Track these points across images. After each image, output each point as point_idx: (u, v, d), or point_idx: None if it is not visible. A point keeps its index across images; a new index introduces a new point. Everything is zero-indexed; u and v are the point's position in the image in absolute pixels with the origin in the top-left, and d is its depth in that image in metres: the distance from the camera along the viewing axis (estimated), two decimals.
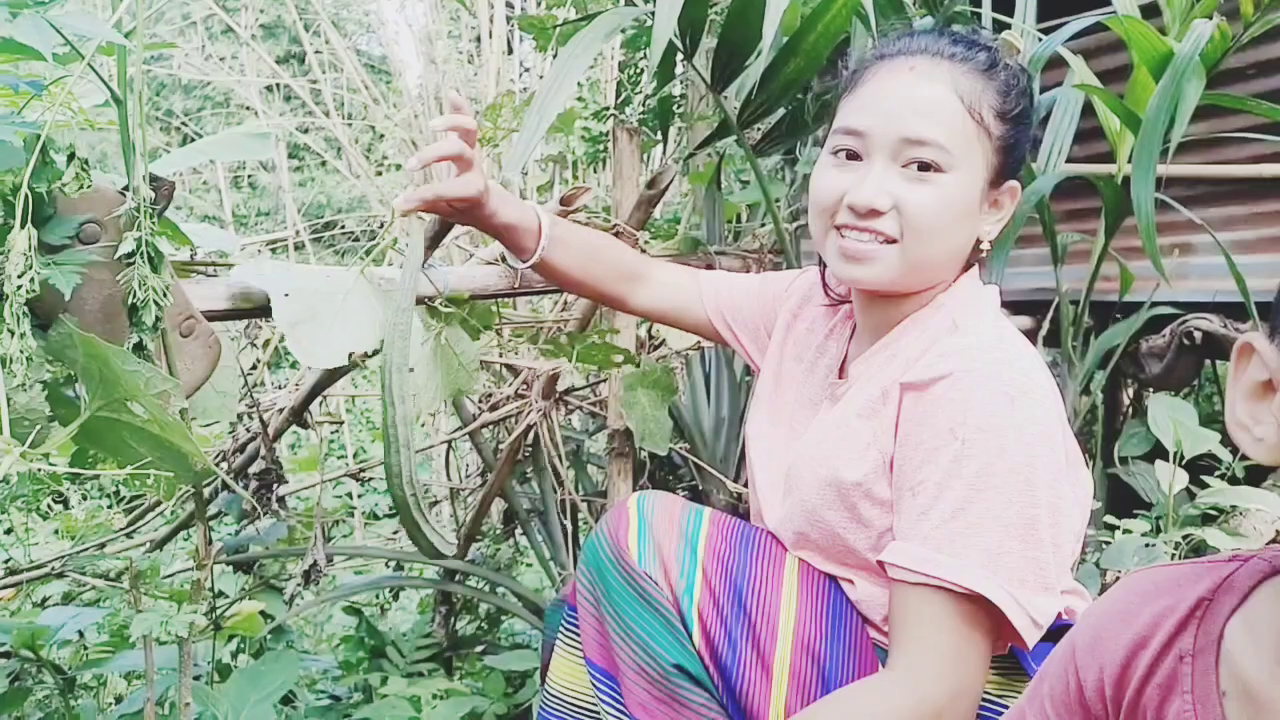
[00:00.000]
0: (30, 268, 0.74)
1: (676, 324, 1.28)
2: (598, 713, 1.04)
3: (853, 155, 0.97)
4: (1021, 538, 0.87)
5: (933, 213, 0.94)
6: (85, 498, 2.87)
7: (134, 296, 0.83)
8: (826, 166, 0.99)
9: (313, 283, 1.03)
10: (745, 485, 1.83)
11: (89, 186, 0.80)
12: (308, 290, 1.01)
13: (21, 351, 0.74)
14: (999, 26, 1.71)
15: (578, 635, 1.07)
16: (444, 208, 1.08)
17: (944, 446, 0.88)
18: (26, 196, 0.75)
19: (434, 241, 1.35)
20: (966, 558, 0.86)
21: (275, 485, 1.69)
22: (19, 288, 0.73)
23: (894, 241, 0.95)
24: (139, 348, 0.85)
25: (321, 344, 0.99)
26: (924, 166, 0.93)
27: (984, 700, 0.94)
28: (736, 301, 1.24)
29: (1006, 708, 0.91)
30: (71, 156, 0.79)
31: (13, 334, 0.73)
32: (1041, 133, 1.88)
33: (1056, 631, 0.88)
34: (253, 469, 1.69)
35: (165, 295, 0.85)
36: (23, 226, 0.75)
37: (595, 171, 2.78)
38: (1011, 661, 0.97)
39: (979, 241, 0.99)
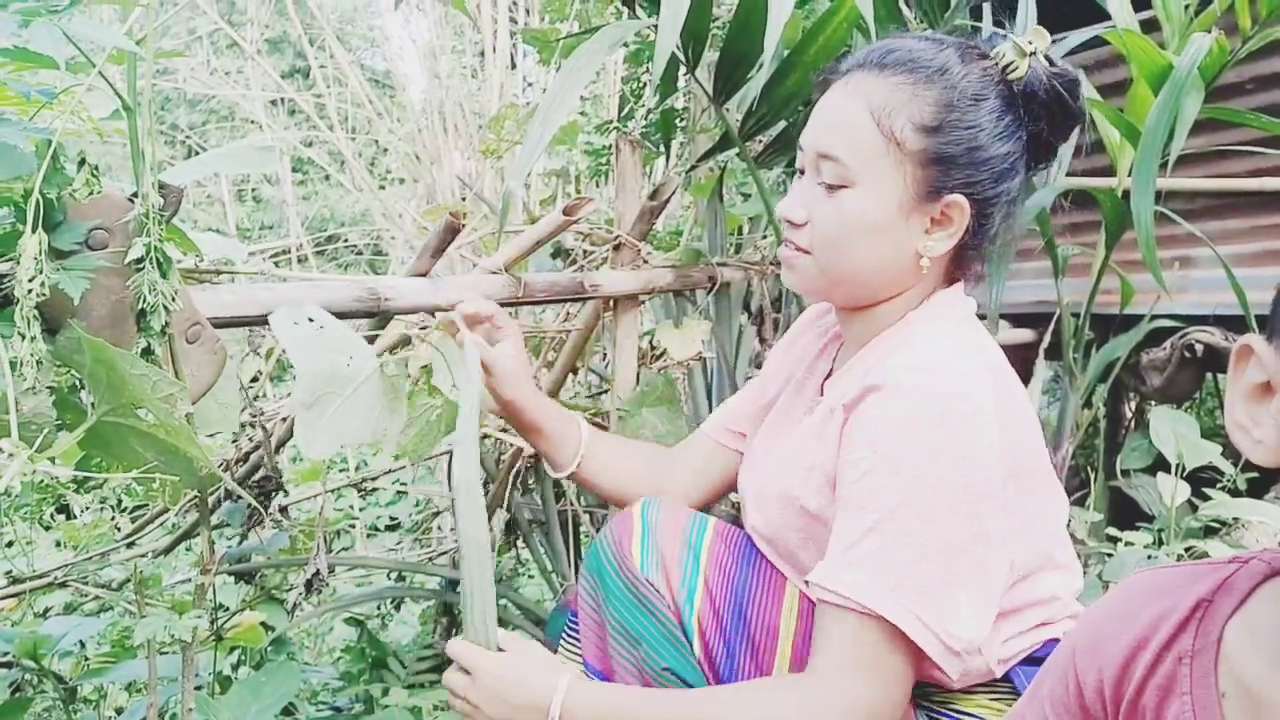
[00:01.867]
0: (40, 272, 0.75)
1: (720, 490, 1.27)
2: None
3: (800, 171, 1.00)
4: (940, 560, 0.84)
5: (834, 226, 0.95)
6: (87, 508, 2.87)
7: (142, 301, 0.84)
8: (793, 182, 1.03)
9: (339, 361, 1.03)
10: None
11: (99, 192, 0.81)
12: (333, 371, 1.02)
13: (31, 355, 0.74)
14: None
15: (579, 641, 1.07)
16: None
17: (864, 463, 0.87)
18: (37, 201, 0.76)
19: (437, 251, 1.36)
20: (876, 578, 0.85)
21: (275, 493, 1.69)
22: (29, 291, 0.74)
23: (809, 253, 0.98)
24: (146, 353, 0.86)
25: (323, 434, 1.02)
26: (831, 183, 0.95)
27: None
28: (739, 410, 1.24)
29: None
30: (82, 163, 0.80)
31: (23, 337, 0.74)
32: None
33: (1044, 658, 0.88)
34: (255, 477, 1.69)
35: (173, 301, 0.86)
36: (33, 231, 0.76)
37: (598, 185, 2.80)
38: (1007, 687, 0.96)
39: (919, 257, 0.95)
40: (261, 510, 1.61)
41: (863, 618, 0.85)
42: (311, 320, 1.03)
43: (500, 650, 0.97)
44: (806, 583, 0.92)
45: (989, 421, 0.87)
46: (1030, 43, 0.96)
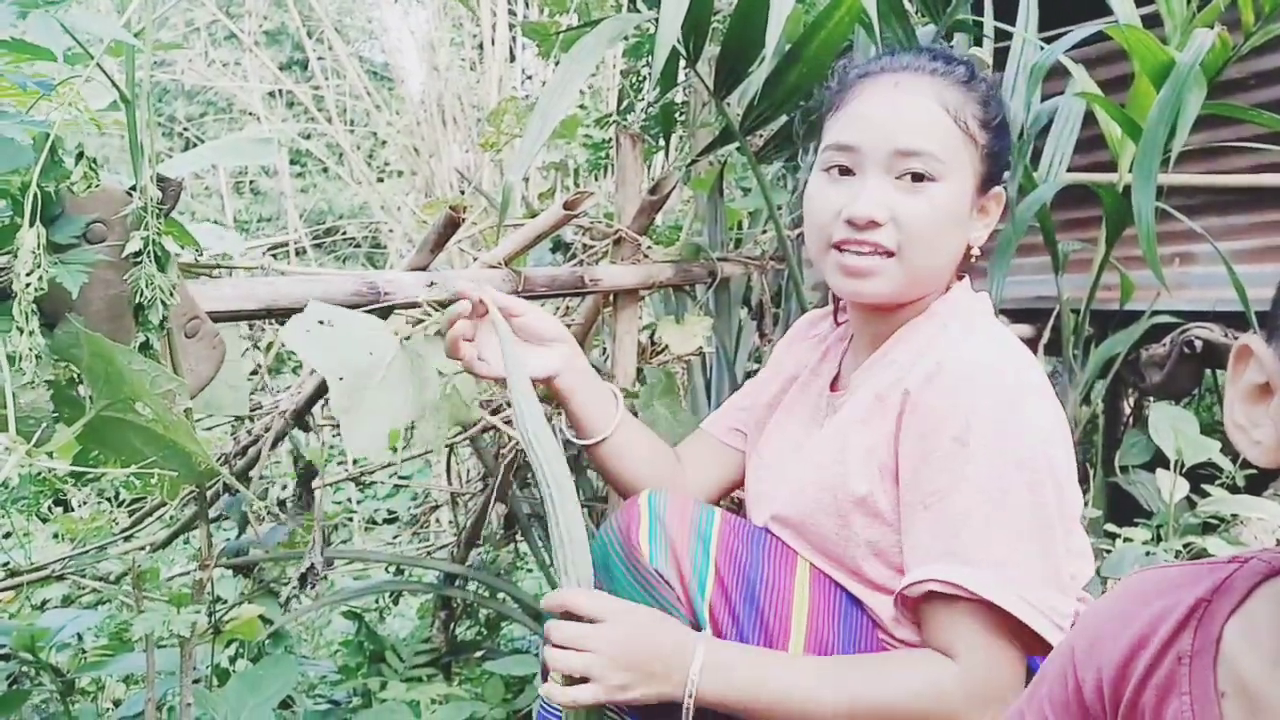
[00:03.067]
0: (39, 266, 0.75)
1: (736, 482, 1.26)
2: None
3: (845, 171, 0.98)
4: (1037, 539, 0.88)
5: (929, 221, 0.96)
6: (86, 500, 2.86)
7: (140, 296, 0.84)
8: (820, 184, 1.01)
9: (360, 356, 1.02)
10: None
11: (97, 186, 0.80)
12: (358, 367, 1.01)
13: (30, 349, 0.74)
14: (1001, 35, 1.72)
15: None
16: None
17: (952, 454, 0.89)
18: (35, 195, 0.75)
19: (437, 245, 1.36)
20: (980, 567, 0.87)
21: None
22: (27, 285, 0.74)
23: (892, 254, 0.96)
24: (145, 347, 0.86)
25: (366, 429, 1.01)
26: (918, 177, 0.95)
27: None
28: (742, 409, 1.24)
29: None
30: (80, 156, 0.79)
31: (21, 331, 0.73)
32: (1043, 141, 1.88)
33: None
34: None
35: (171, 295, 0.86)
36: (31, 225, 0.75)
37: (597, 178, 2.79)
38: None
39: (969, 248, 1.02)
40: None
41: (968, 604, 0.87)
42: (321, 322, 1.02)
43: None
44: (899, 595, 0.93)
45: (1050, 392, 0.93)
46: (979, 58, 1.05)
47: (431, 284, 1.26)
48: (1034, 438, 0.89)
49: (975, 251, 1.02)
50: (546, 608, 0.93)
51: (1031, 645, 0.90)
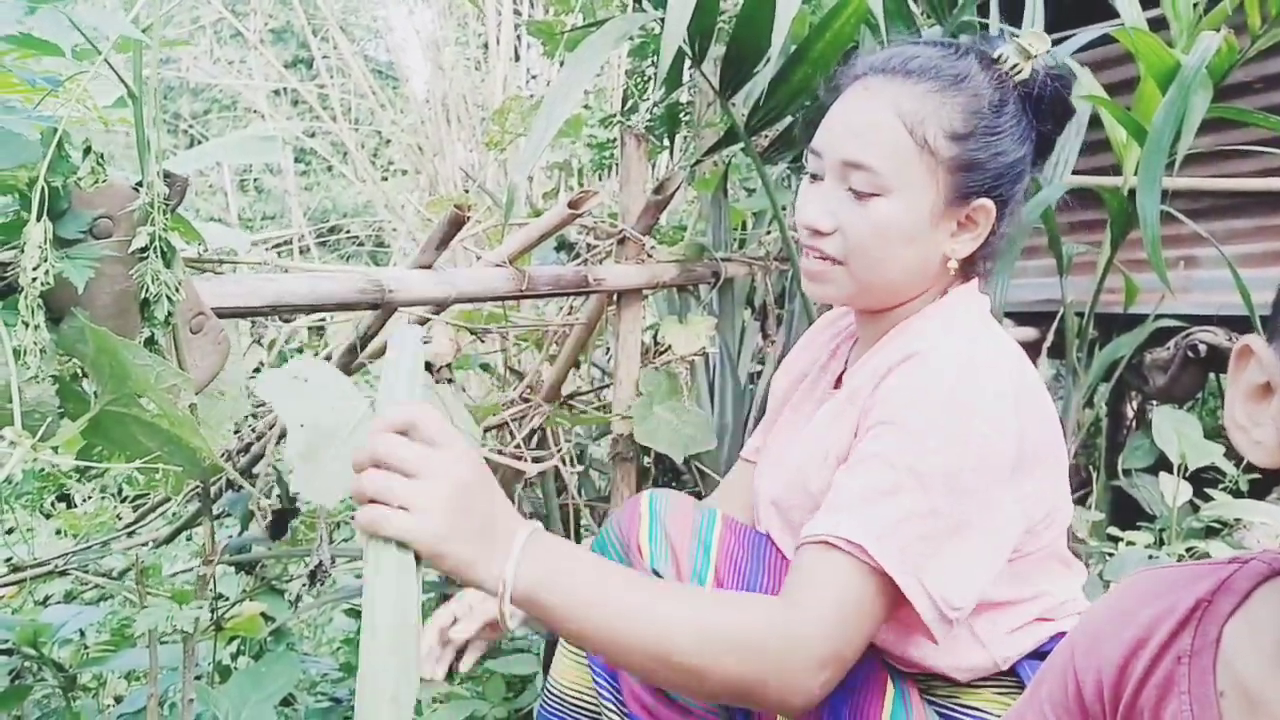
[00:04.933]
0: (45, 260, 0.75)
1: None
2: (598, 712, 1.04)
3: (816, 176, 0.98)
4: (948, 526, 0.84)
5: (870, 236, 0.94)
6: (89, 497, 2.87)
7: (146, 291, 0.84)
8: (804, 186, 1.00)
9: (326, 414, 1.00)
10: None
11: (104, 181, 0.81)
12: (321, 423, 0.99)
13: (35, 343, 0.74)
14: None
15: None
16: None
17: (888, 430, 0.87)
18: (42, 190, 0.76)
19: (442, 244, 1.36)
20: (885, 533, 0.83)
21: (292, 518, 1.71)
22: (34, 280, 0.74)
23: (841, 263, 0.96)
24: (150, 342, 0.86)
25: (323, 482, 1.00)
26: (860, 191, 0.93)
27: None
28: (763, 424, 1.22)
29: None
30: (87, 151, 0.79)
31: (27, 326, 0.74)
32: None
33: (1050, 651, 0.88)
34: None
35: (177, 290, 0.86)
36: (38, 220, 0.75)
37: (601, 178, 2.79)
38: (1014, 681, 0.96)
39: (945, 260, 0.97)
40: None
41: (859, 564, 0.82)
42: (297, 378, 1.01)
43: None
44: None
45: (1006, 399, 0.88)
46: (1030, 44, 0.97)
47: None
48: (966, 439, 0.85)
49: (952, 264, 0.97)
50: (385, 426, 0.73)
51: (905, 631, 0.88)
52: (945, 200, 0.94)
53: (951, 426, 0.85)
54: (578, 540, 2.00)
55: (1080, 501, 2.17)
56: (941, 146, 0.92)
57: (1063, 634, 0.97)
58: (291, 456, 0.97)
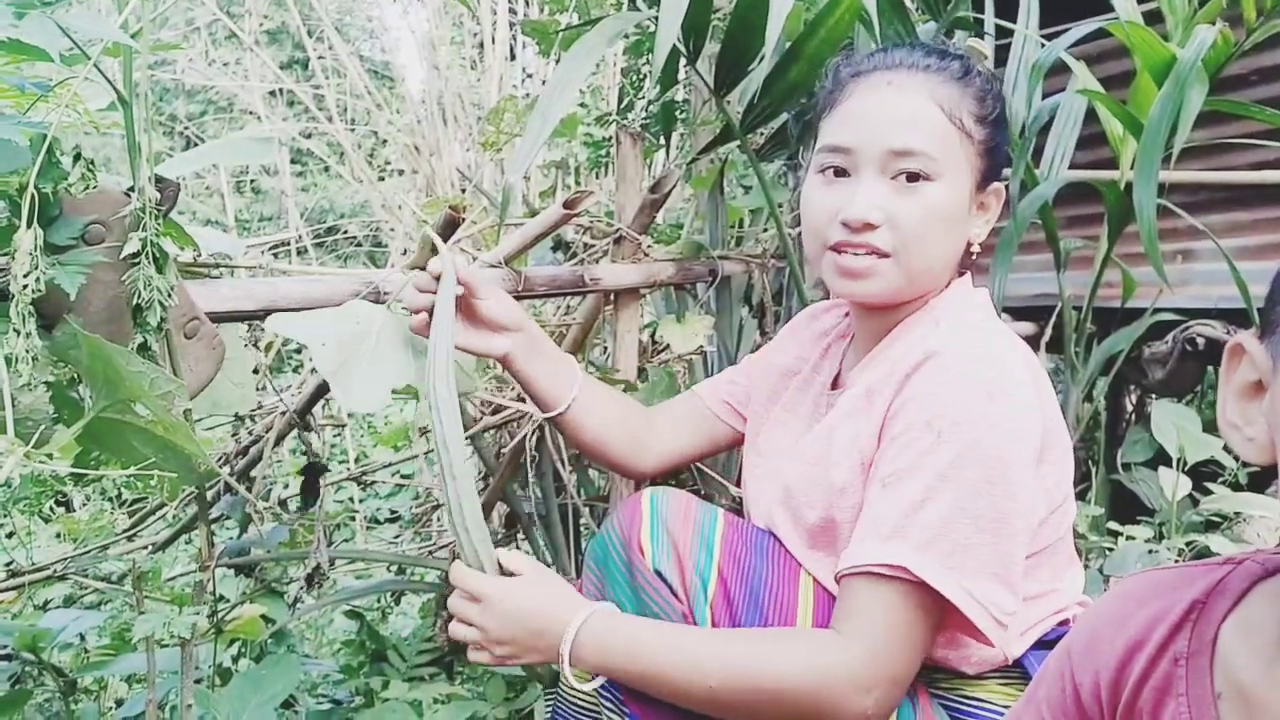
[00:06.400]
0: (36, 267, 0.75)
1: (704, 451, 1.27)
2: (599, 712, 1.04)
3: (840, 172, 0.98)
4: (991, 532, 0.86)
5: (925, 222, 0.95)
6: (88, 500, 2.87)
7: (139, 297, 0.84)
8: (816, 185, 1.00)
9: (346, 327, 1.03)
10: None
11: (95, 187, 0.80)
12: (343, 336, 1.01)
13: (27, 351, 0.74)
14: (1002, 32, 1.71)
15: None
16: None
17: (918, 439, 0.88)
18: (33, 196, 0.75)
19: None
20: (927, 549, 0.85)
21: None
22: (25, 287, 0.74)
23: (888, 256, 0.96)
24: (143, 348, 0.86)
25: (364, 387, 1.01)
26: (913, 177, 0.94)
27: (995, 711, 0.94)
28: (742, 387, 1.24)
29: None
30: (78, 157, 0.79)
31: (18, 333, 0.73)
32: (1045, 139, 1.88)
33: (1054, 640, 0.88)
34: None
35: (170, 296, 0.86)
36: (29, 226, 0.75)
37: (598, 177, 2.79)
38: (1018, 672, 0.96)
39: (969, 245, 1.01)
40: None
41: (902, 586, 0.86)
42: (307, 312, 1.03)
43: (509, 574, 0.97)
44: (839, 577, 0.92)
45: (1027, 387, 0.91)
46: (980, 49, 1.04)
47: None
48: (1002, 434, 0.87)
49: (975, 248, 1.02)
50: (450, 580, 0.99)
51: (957, 636, 0.90)
52: (975, 184, 0.99)
53: (982, 424, 0.87)
54: (577, 540, 2.00)
55: (1080, 496, 2.17)
56: (974, 130, 0.97)
57: (1067, 622, 0.97)
58: (326, 372, 0.99)
